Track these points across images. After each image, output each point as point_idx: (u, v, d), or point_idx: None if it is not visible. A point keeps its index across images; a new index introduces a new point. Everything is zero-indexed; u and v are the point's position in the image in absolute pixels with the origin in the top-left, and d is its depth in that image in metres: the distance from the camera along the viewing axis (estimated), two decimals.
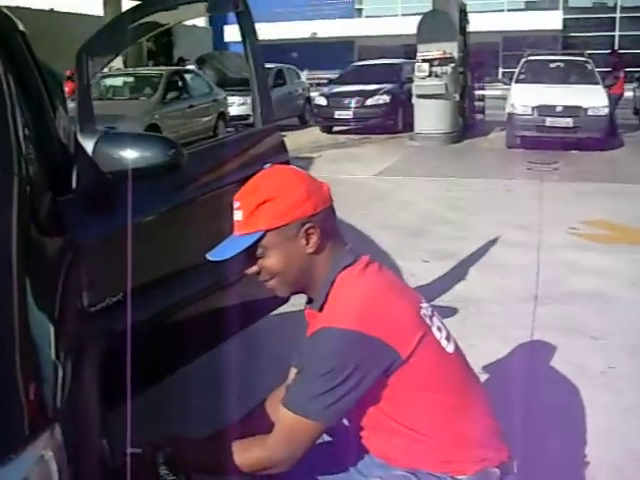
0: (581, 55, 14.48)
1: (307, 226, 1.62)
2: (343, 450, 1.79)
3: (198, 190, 2.66)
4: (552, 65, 13.80)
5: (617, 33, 31.12)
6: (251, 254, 1.64)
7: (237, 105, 14.95)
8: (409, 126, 14.11)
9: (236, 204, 1.63)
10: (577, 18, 31.26)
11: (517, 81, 13.36)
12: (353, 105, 15.15)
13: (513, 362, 3.60)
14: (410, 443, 1.67)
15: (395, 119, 15.23)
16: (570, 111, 11.96)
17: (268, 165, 1.73)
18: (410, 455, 1.68)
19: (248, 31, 3.03)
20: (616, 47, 28.97)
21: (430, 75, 13.19)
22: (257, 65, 3.05)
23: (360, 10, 38.40)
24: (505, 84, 14.50)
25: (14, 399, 1.14)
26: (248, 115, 15.06)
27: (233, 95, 14.41)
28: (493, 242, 6.07)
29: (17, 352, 1.23)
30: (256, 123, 3.06)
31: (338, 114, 15.24)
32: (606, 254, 5.74)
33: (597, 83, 13.03)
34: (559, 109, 12.00)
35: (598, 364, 3.65)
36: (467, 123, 15.01)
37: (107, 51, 2.47)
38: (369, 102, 15.03)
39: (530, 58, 14.14)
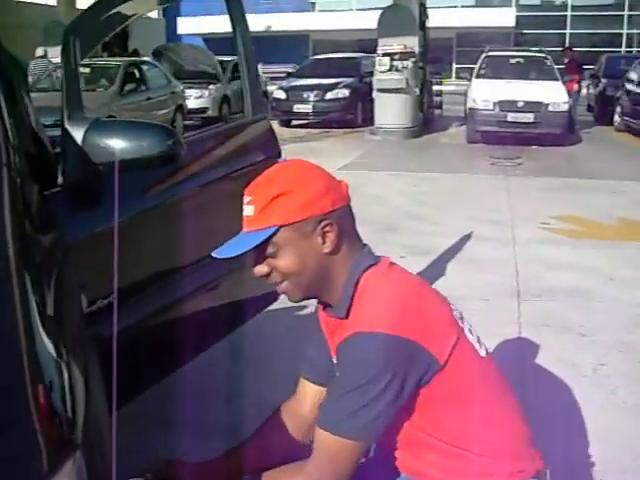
0: (539, 51, 14.59)
1: (324, 223, 1.47)
2: (372, 471, 1.63)
3: (193, 183, 2.50)
4: (512, 61, 13.87)
5: (568, 31, 31.57)
6: (261, 253, 1.48)
7: (194, 98, 14.68)
8: (369, 120, 14.05)
9: (247, 198, 1.48)
10: (529, 15, 31.60)
11: (478, 76, 13.40)
12: (312, 99, 15.02)
13: (505, 360, 3.49)
14: (445, 458, 1.54)
15: (355, 113, 15.15)
16: (531, 106, 12.03)
17: (282, 159, 1.59)
18: (446, 471, 1.55)
19: (238, 18, 2.88)
20: (567, 44, 29.51)
21: (391, 69, 13.14)
22: (247, 54, 2.92)
23: (314, 4, 38.26)
24: (467, 79, 14.50)
25: (29, 427, 0.97)
26: (206, 108, 14.85)
27: (190, 88, 14.15)
28: (467, 237, 6.01)
29: (27, 369, 1.05)
30: (246, 113, 2.92)
31: (297, 108, 15.08)
32: (580, 249, 5.72)
33: (557, 79, 13.14)
34: (520, 104, 12.07)
35: (589, 361, 3.59)
36: (426, 118, 15.01)
37: (95, 33, 2.28)
38: (329, 96, 14.92)
39: (490, 54, 14.19)
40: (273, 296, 3.16)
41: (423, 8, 14.40)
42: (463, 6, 33.10)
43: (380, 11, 13.67)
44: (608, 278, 4.97)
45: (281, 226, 1.45)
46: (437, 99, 16.91)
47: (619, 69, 16.70)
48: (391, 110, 13.22)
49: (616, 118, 15.01)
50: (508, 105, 12.12)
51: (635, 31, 30.00)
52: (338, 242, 1.50)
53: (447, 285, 4.77)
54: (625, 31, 30.68)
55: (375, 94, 13.42)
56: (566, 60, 15.02)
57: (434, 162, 10.76)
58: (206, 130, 2.76)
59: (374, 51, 13.70)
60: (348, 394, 1.42)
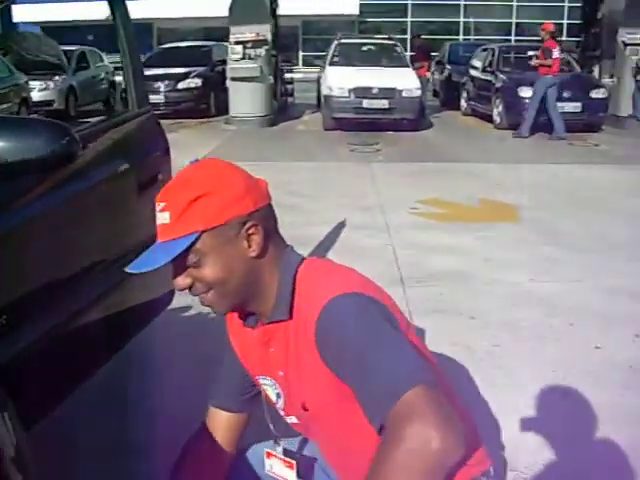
0: (389, 39, 14.89)
1: (248, 225, 1.33)
2: None
3: (80, 184, 2.26)
4: (364, 48, 14.08)
5: (409, 19, 32.52)
6: (182, 264, 1.32)
7: (38, 90, 13.83)
8: (223, 110, 13.83)
9: (160, 205, 1.32)
10: (372, 4, 32.26)
11: (331, 64, 13.46)
12: (163, 89, 14.56)
13: None
14: None
15: (208, 103, 14.87)
16: (385, 93, 12.25)
17: (194, 159, 1.42)
18: None
19: (119, 6, 2.66)
20: (408, 32, 30.44)
21: (244, 57, 12.98)
22: (130, 44, 2.69)
23: None
24: (321, 67, 14.54)
25: None
26: (52, 101, 14.06)
27: (34, 79, 13.33)
28: (341, 226, 5.99)
29: None
30: (131, 107, 2.70)
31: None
32: (452, 232, 5.84)
33: (407, 66, 13.48)
34: (375, 91, 12.25)
35: (483, 344, 3.64)
36: (280, 106, 14.99)
37: None
38: (180, 85, 14.54)
39: (342, 41, 14.32)
40: (167, 299, 2.99)
41: None
42: None
43: None
44: (483, 259, 5.09)
45: (203, 232, 1.30)
46: (289, 87, 16.95)
47: (462, 56, 17.45)
48: (246, 99, 13.07)
49: (463, 103, 15.65)
50: (363, 92, 12.27)
51: (472, 19, 31.36)
52: (264, 244, 1.36)
53: None
54: (462, 19, 32.01)
55: (229, 83, 13.21)
56: (416, 47, 15.43)
57: (295, 151, 10.72)
58: (89, 126, 2.52)
59: (222, 39, 13.48)
60: (382, 349, 1.23)
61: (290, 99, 16.98)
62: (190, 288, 1.35)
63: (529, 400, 3.05)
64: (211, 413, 1.64)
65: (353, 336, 1.24)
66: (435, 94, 18.74)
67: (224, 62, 14.12)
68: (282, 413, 1.53)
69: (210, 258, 1.32)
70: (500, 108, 13.04)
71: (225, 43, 15.00)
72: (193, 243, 1.30)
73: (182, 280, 1.34)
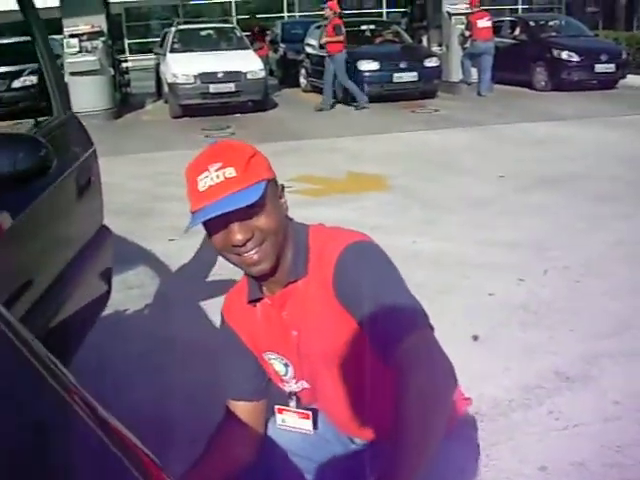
0: (226, 22, 14.95)
1: (280, 185, 1.51)
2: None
3: (26, 196, 2.29)
4: (203, 33, 14.06)
5: (233, 0, 32.48)
6: (244, 214, 1.39)
7: None
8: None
9: (214, 165, 1.38)
10: None
11: (172, 51, 13.34)
12: None
13: None
14: None
15: (47, 100, 14.25)
16: (231, 76, 12.35)
17: (213, 140, 1.57)
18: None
19: (27, 7, 2.67)
20: (234, 13, 30.41)
21: (81, 51, 12.61)
22: (47, 49, 2.73)
23: None
24: (161, 54, 14.32)
25: None
26: None
27: None
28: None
29: None
30: (56, 112, 2.74)
31: None
32: (330, 206, 6.13)
33: (248, 48, 13.63)
34: (220, 75, 12.31)
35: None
36: (121, 97, 14.68)
37: None
38: (16, 84, 13.90)
39: (180, 27, 14.23)
40: (103, 302, 3.06)
41: None
42: None
43: None
44: (368, 228, 5.39)
45: (268, 181, 1.43)
46: (126, 77, 16.61)
47: (295, 33, 17.76)
48: (87, 93, 12.70)
49: (302, 80, 16.01)
50: (208, 77, 12.29)
51: None
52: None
53: None
54: None
55: (68, 78, 12.78)
56: (252, 28, 15.58)
57: (150, 141, 10.62)
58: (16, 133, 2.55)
59: (54, 32, 12.98)
60: (393, 291, 1.42)
61: (128, 89, 16.65)
62: (247, 242, 1.41)
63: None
64: (231, 405, 1.68)
65: (369, 276, 1.43)
66: (271, 73, 18.98)
67: (57, 56, 13.56)
68: (292, 383, 1.65)
69: (268, 207, 1.42)
70: None
71: (55, 36, 14.41)
72: (265, 189, 1.40)
73: (242, 233, 1.40)
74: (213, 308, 4.04)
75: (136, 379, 3.35)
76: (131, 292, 4.40)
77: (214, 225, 1.40)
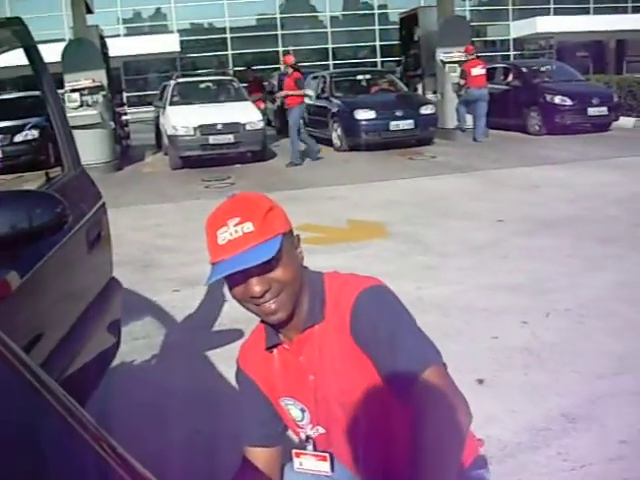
0: (224, 74, 15.22)
1: (296, 236, 1.58)
2: None
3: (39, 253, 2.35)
4: (202, 85, 14.31)
5: (230, 52, 33.05)
6: (262, 268, 1.46)
7: None
8: (61, 160, 13.44)
9: (233, 220, 1.45)
10: (192, 40, 32.54)
11: (171, 103, 13.55)
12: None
13: None
14: None
15: (47, 154, 14.45)
16: (230, 127, 12.53)
17: (231, 194, 1.63)
18: None
19: (40, 66, 2.77)
20: (230, 65, 30.93)
21: (82, 105, 12.84)
22: (55, 101, 2.81)
23: None
24: (160, 107, 14.52)
25: None
26: None
27: None
28: None
29: None
30: (67, 169, 2.82)
31: None
32: (332, 254, 6.16)
33: (246, 99, 13.86)
34: (220, 127, 12.49)
35: None
36: (121, 150, 14.88)
37: None
38: (17, 139, 14.06)
39: (180, 80, 14.49)
40: (112, 353, 3.10)
41: (102, 40, 14.25)
42: (126, 35, 33.04)
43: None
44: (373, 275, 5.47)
45: (284, 234, 1.49)
46: (126, 129, 16.86)
47: None
48: (89, 146, 12.82)
49: None
50: (208, 129, 12.48)
51: (291, 48, 32.33)
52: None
53: (235, 310, 4.90)
54: (280, 48, 32.92)
55: None
56: (249, 80, 15.84)
57: (150, 193, 10.74)
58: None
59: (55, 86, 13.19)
60: (407, 330, 1.50)
61: (128, 142, 16.88)
62: (265, 293, 1.47)
63: None
64: (247, 452, 1.71)
65: (384, 318, 1.51)
66: (269, 123, 19.22)
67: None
68: (308, 428, 1.69)
69: (284, 260, 1.49)
70: (339, 132, 13.73)
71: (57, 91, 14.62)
72: (281, 243, 1.47)
73: (260, 285, 1.46)
74: (218, 358, 4.08)
75: (143, 430, 3.37)
76: (137, 342, 4.44)
77: (234, 278, 1.47)
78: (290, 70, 12.67)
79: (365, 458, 1.65)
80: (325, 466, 1.71)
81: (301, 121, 12.68)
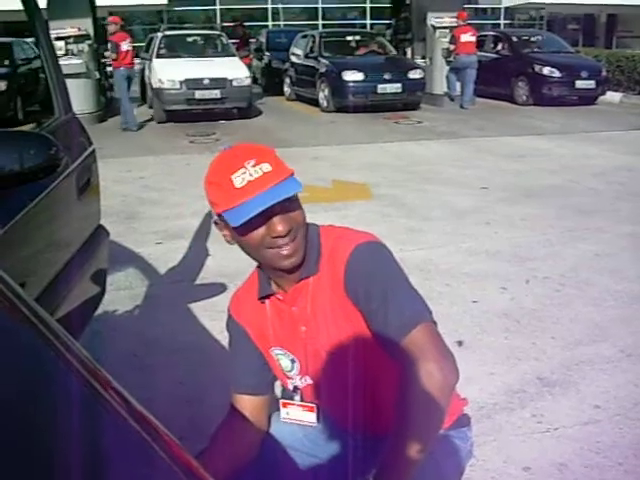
0: (212, 28, 15.02)
1: None
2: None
3: (33, 192, 2.35)
4: (190, 39, 14.11)
5: (218, 7, 32.52)
6: (280, 209, 1.44)
7: None
8: (33, 113, 13.10)
9: (250, 162, 1.42)
10: None
11: (158, 56, 13.37)
12: None
13: None
14: None
15: (15, 109, 13.92)
16: (217, 83, 12.40)
17: (227, 146, 1.61)
18: None
19: (34, 12, 2.73)
20: (219, 20, 30.48)
21: (67, 54, 12.59)
22: (49, 47, 2.78)
23: None
24: (143, 59, 14.29)
25: None
26: None
27: None
28: (210, 216, 6.16)
29: None
30: (57, 112, 2.79)
31: None
32: (316, 213, 6.01)
33: (234, 55, 13.70)
34: (206, 82, 12.37)
35: None
36: (106, 101, 14.68)
37: None
38: None
39: (167, 33, 14.27)
40: (97, 302, 3.11)
41: None
42: None
43: None
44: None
45: (293, 175, 1.48)
46: (111, 80, 16.59)
47: (280, 42, 17.87)
48: (73, 96, 12.54)
49: (286, 89, 16.11)
50: (194, 83, 12.34)
51: (280, 5, 31.91)
52: None
53: (217, 264, 4.95)
54: (269, 5, 32.46)
55: None
56: (239, 36, 15.65)
57: (135, 146, 10.64)
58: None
59: (24, 35, 12.81)
60: (400, 287, 1.51)
61: (112, 93, 16.63)
62: (287, 233, 1.45)
63: None
64: (236, 400, 1.72)
65: (377, 274, 1.51)
66: (255, 81, 19.04)
67: (28, 60, 13.42)
68: (297, 379, 1.70)
69: (298, 202, 1.50)
70: (326, 92, 13.64)
71: (27, 39, 14.17)
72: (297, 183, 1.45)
73: (283, 224, 1.44)
74: (201, 310, 4.11)
75: (125, 379, 3.39)
76: (120, 293, 4.44)
77: (253, 222, 1.43)
78: (114, 29, 12.15)
79: (352, 410, 1.66)
80: (311, 417, 1.73)
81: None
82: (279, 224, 1.45)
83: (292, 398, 1.74)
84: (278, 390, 1.85)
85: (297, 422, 1.75)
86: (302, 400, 1.73)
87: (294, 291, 1.61)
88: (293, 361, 1.69)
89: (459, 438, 1.76)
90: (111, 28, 12.24)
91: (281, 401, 1.76)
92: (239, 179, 1.42)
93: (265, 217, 1.44)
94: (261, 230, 1.46)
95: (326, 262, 1.58)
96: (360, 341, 1.56)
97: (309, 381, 1.70)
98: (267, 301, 1.66)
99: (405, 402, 1.37)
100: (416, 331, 1.44)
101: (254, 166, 1.42)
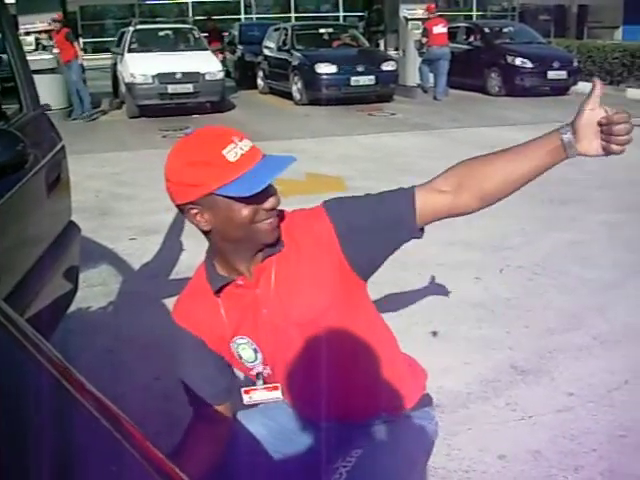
0: (184, 22, 14.91)
1: None
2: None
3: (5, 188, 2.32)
4: (161, 33, 14.01)
5: (190, 1, 32.29)
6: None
7: None
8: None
9: (236, 137, 1.43)
10: None
11: (130, 51, 13.24)
12: None
13: None
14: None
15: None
16: (189, 77, 12.34)
17: (189, 130, 1.58)
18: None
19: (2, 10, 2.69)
20: (190, 14, 30.26)
21: (37, 48, 12.48)
22: (15, 42, 2.74)
23: None
24: (119, 53, 14.16)
25: None
26: None
27: None
28: None
29: None
30: (25, 108, 2.76)
31: None
32: (290, 206, 6.13)
33: (206, 49, 13.61)
34: (179, 76, 12.30)
35: None
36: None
37: None
38: None
39: (139, 27, 14.14)
40: (69, 299, 3.08)
41: None
42: None
43: None
44: None
45: None
46: (82, 76, 16.44)
47: (252, 35, 17.79)
48: (43, 92, 12.41)
49: (259, 82, 16.06)
50: (167, 77, 12.26)
51: None
52: None
53: (192, 259, 4.91)
54: None
55: None
56: (209, 30, 15.56)
57: (107, 141, 10.57)
58: None
59: None
60: (379, 193, 1.66)
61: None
62: (275, 207, 1.48)
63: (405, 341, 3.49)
64: (196, 409, 1.70)
65: (357, 197, 1.64)
66: (228, 74, 18.95)
67: None
68: (259, 368, 1.65)
69: None
70: (299, 85, 13.61)
71: None
72: None
73: (276, 197, 1.48)
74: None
75: (100, 375, 3.37)
76: (93, 289, 4.41)
77: (249, 197, 1.42)
78: (59, 25, 12.33)
79: (316, 394, 1.61)
80: (277, 394, 1.67)
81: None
82: (273, 197, 1.47)
83: (254, 384, 1.69)
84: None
85: (263, 402, 1.69)
86: (264, 384, 1.68)
87: (258, 271, 1.56)
88: (256, 351, 1.63)
89: (423, 418, 1.76)
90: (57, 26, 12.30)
91: (242, 389, 1.69)
92: (232, 153, 1.41)
93: (262, 191, 1.42)
94: (253, 207, 1.45)
95: (288, 236, 1.56)
96: (334, 313, 1.55)
97: (269, 371, 1.66)
98: (221, 295, 1.60)
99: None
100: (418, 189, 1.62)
101: (241, 140, 1.43)
